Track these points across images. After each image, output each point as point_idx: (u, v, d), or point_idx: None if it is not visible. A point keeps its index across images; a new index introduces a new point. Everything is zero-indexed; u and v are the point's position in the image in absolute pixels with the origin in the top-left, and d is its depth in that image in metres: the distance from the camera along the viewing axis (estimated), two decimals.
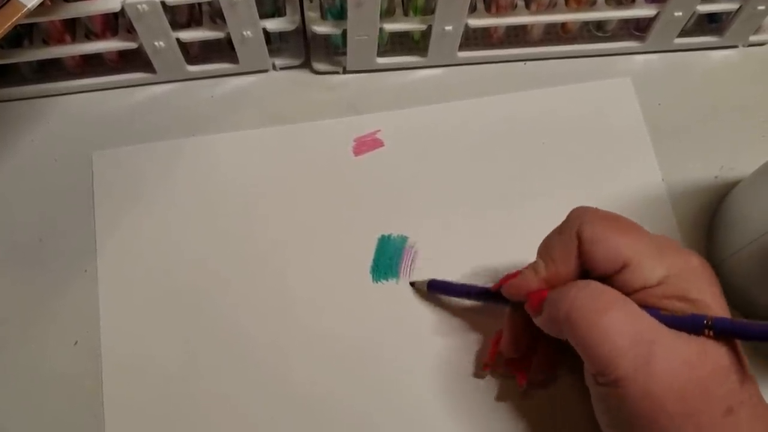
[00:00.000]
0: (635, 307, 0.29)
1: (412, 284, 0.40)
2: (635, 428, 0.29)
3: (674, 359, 0.28)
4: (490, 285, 0.36)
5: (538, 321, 0.32)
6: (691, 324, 0.29)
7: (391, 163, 0.43)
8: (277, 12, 0.43)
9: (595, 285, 0.30)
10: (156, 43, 0.41)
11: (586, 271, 0.32)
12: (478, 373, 0.38)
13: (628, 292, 0.31)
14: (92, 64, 0.44)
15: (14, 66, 0.43)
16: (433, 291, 0.39)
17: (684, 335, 0.29)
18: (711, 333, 0.28)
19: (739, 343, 0.29)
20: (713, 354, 0.28)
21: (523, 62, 0.46)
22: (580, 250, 0.32)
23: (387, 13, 0.42)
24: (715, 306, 0.30)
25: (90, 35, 0.42)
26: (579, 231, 0.32)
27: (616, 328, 0.28)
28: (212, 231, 0.41)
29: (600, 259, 0.31)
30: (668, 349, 0.28)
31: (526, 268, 0.34)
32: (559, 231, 0.33)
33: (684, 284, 0.30)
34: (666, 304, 0.30)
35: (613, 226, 0.32)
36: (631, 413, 0.28)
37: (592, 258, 0.31)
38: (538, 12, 0.43)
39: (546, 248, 0.33)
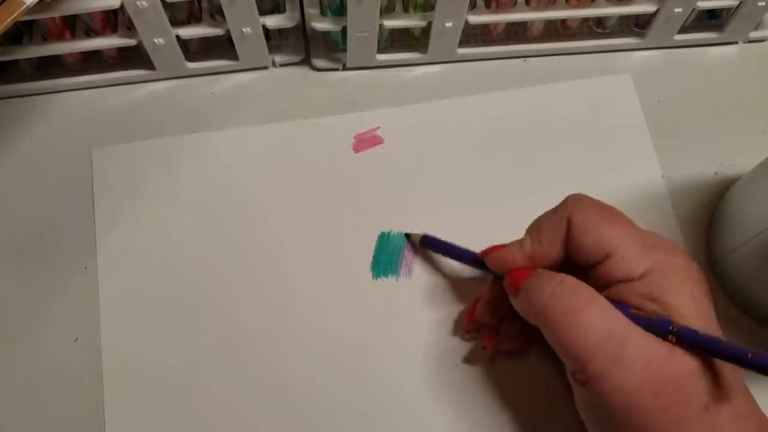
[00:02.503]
0: (607, 304, 0.29)
1: (407, 236, 0.40)
2: (615, 425, 0.29)
3: (645, 355, 0.28)
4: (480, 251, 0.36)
5: (514, 303, 0.33)
6: (657, 327, 0.29)
7: (391, 160, 0.43)
8: (276, 9, 0.43)
9: (570, 282, 0.30)
10: (155, 40, 0.41)
11: (568, 258, 0.33)
12: (463, 337, 0.38)
13: (609, 283, 0.31)
14: (92, 61, 0.44)
15: (14, 63, 0.43)
16: (426, 247, 0.40)
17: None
18: (674, 339, 0.28)
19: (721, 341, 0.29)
20: (682, 355, 0.29)
21: (523, 59, 0.46)
22: (568, 235, 0.32)
23: (387, 10, 0.42)
24: (690, 309, 0.30)
25: (90, 32, 0.42)
26: (570, 216, 0.32)
27: (589, 325, 0.29)
28: (212, 228, 0.41)
29: (586, 247, 0.31)
30: (640, 346, 0.28)
31: (513, 242, 0.34)
32: (551, 213, 0.33)
33: (662, 283, 0.30)
34: (638, 302, 0.30)
35: (604, 216, 0.32)
36: (608, 410, 0.29)
37: (579, 245, 0.32)
38: (538, 8, 0.43)
39: (536, 227, 0.34)
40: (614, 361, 0.28)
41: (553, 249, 0.32)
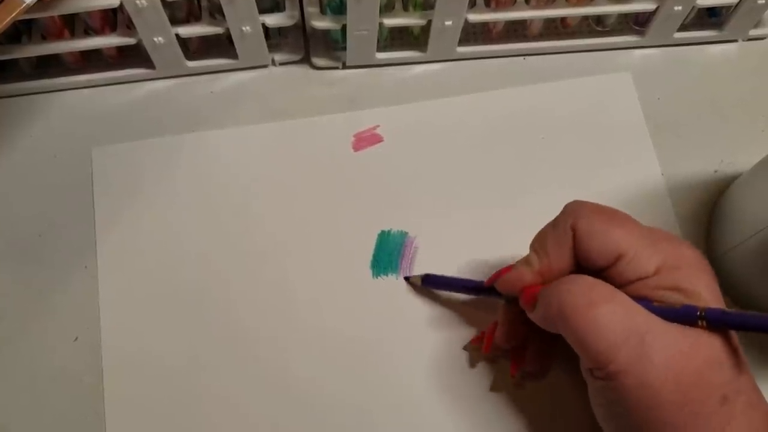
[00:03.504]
0: (627, 299, 0.29)
1: (407, 279, 0.40)
2: (633, 420, 0.29)
3: (669, 350, 0.28)
4: (485, 279, 0.36)
5: (532, 316, 0.32)
6: (684, 315, 0.29)
7: (391, 159, 0.43)
8: (276, 7, 0.43)
9: (586, 279, 0.30)
10: (155, 39, 0.41)
11: (579, 265, 0.32)
12: (474, 356, 0.38)
13: (623, 284, 0.31)
14: (91, 60, 0.44)
15: (13, 62, 0.43)
16: (428, 285, 0.39)
17: (676, 326, 0.29)
18: (704, 324, 0.28)
19: (733, 333, 0.29)
20: (706, 344, 0.29)
21: (523, 57, 0.46)
22: (575, 244, 0.32)
23: (387, 8, 0.42)
24: (708, 296, 0.30)
25: (89, 31, 0.41)
26: (574, 225, 0.32)
27: (608, 322, 0.29)
28: (212, 226, 0.41)
29: (595, 252, 0.31)
30: (662, 340, 0.28)
31: (519, 262, 0.34)
32: (553, 225, 0.33)
33: (677, 275, 0.30)
34: (659, 295, 0.30)
35: (608, 219, 0.32)
36: (628, 405, 0.29)
37: (587, 251, 0.31)
38: (537, 7, 0.43)
39: (539, 242, 0.33)
40: (637, 358, 0.28)
41: (561, 261, 0.32)
